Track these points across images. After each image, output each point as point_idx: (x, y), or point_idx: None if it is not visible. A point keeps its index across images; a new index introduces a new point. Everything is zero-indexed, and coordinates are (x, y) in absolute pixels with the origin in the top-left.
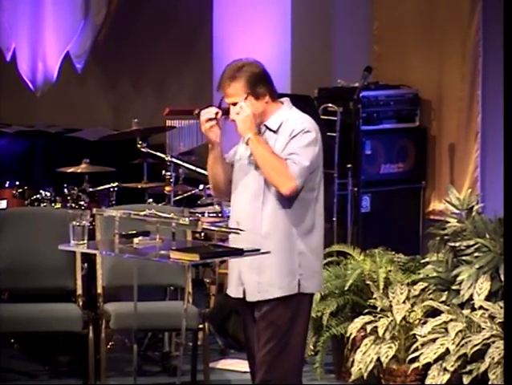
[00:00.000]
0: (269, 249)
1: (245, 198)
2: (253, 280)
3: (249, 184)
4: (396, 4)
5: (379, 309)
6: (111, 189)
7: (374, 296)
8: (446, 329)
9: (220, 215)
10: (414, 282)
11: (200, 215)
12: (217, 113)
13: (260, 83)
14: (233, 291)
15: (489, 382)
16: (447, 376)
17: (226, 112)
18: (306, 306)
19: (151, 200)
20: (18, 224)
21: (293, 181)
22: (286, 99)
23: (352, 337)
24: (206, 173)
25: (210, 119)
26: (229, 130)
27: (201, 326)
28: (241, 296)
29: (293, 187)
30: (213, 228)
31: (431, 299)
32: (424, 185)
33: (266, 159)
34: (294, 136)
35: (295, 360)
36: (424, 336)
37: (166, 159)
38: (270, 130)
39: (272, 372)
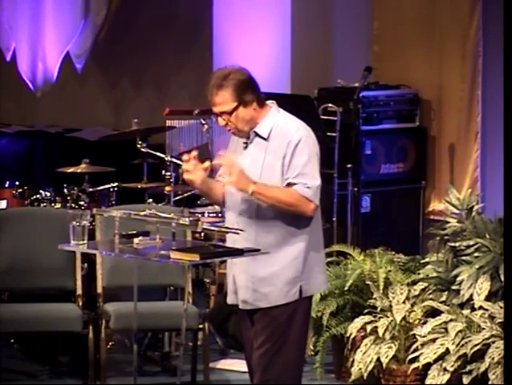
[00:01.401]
0: (265, 258)
1: (238, 209)
2: (248, 288)
3: (241, 194)
4: (396, 4)
5: (379, 309)
6: (111, 189)
7: (374, 296)
8: (446, 329)
9: (220, 215)
10: (414, 282)
11: (200, 215)
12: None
13: (247, 90)
14: (229, 298)
15: (489, 383)
16: (447, 376)
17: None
18: (304, 309)
19: (151, 200)
20: (18, 224)
21: (310, 204)
22: (272, 103)
23: (352, 337)
24: None
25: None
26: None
27: (201, 326)
28: (236, 303)
29: (313, 208)
30: (213, 228)
31: (431, 299)
32: (424, 185)
33: (276, 200)
34: (294, 150)
35: (292, 362)
36: (424, 336)
37: (166, 159)
38: (261, 137)
39: (267, 374)
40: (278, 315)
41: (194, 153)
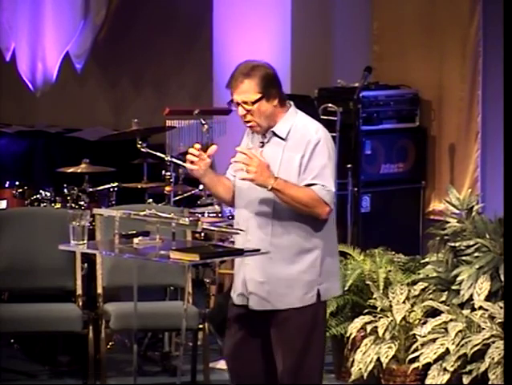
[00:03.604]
0: (282, 260)
1: (253, 208)
2: (264, 288)
3: (257, 193)
4: (396, 4)
5: (379, 309)
6: (111, 189)
7: (374, 296)
8: (446, 329)
9: (220, 215)
10: (414, 282)
11: (200, 215)
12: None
13: (272, 84)
14: (238, 299)
15: (489, 383)
16: (447, 376)
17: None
18: (322, 312)
19: (151, 200)
20: (18, 224)
21: (326, 207)
22: (290, 103)
23: (352, 337)
24: None
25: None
26: (230, 130)
27: (201, 326)
28: (245, 303)
29: (328, 211)
30: (213, 228)
31: (431, 299)
32: (424, 185)
33: (294, 199)
34: (313, 151)
35: (315, 370)
36: (424, 336)
37: (166, 159)
38: (279, 137)
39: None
40: (299, 322)
41: (197, 146)
